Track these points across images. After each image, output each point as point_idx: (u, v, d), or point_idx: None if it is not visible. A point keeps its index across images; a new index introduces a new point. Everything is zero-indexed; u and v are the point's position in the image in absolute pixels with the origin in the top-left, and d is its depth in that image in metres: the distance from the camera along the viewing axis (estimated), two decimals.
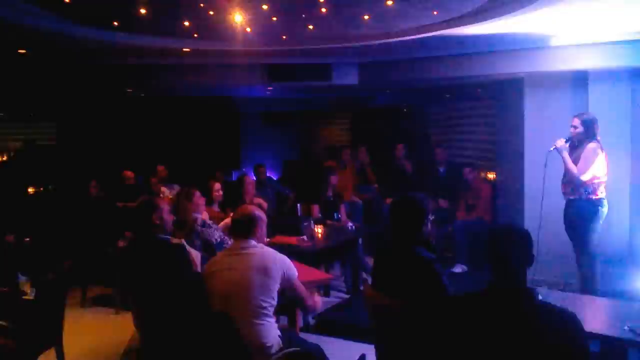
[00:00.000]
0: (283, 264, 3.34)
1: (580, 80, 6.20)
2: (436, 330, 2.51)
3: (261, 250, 3.37)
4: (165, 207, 3.77)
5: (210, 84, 7.95)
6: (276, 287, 3.27)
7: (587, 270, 5.16)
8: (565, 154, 5.14)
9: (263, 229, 3.52)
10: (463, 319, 2.38)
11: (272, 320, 3.31)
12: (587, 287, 5.12)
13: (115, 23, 5.13)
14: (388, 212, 3.41)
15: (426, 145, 9.72)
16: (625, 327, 3.12)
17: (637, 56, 5.68)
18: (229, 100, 11.03)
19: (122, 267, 3.71)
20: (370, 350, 3.37)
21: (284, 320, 4.17)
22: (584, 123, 5.12)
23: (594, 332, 3.11)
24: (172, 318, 3.32)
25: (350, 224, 6.89)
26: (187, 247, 4.01)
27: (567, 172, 5.17)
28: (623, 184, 6.01)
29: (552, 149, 5.18)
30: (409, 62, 7.02)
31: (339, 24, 5.11)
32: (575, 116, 5.24)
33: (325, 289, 6.37)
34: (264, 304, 3.23)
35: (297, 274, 3.43)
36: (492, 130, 7.87)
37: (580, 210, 5.13)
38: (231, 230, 3.56)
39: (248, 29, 4.99)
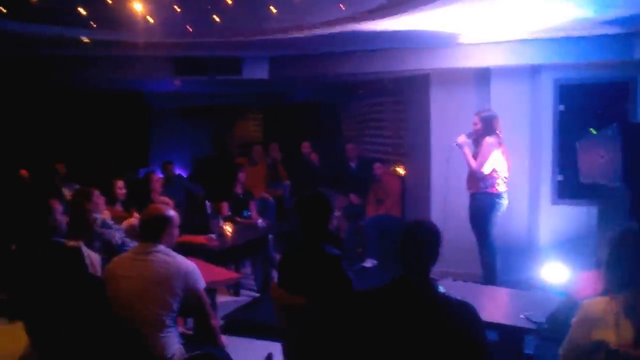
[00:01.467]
0: (187, 276, 3.12)
1: (483, 77, 6.39)
2: (341, 326, 2.50)
3: (166, 259, 3.14)
4: (59, 207, 3.57)
5: (114, 77, 7.60)
6: (177, 299, 3.09)
7: (488, 261, 5.37)
8: (466, 149, 5.34)
9: (174, 230, 3.30)
10: (367, 314, 2.39)
11: (174, 328, 3.17)
12: (488, 277, 5.32)
13: (3, 10, 4.77)
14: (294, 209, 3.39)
15: (338, 141, 9.77)
16: (521, 316, 3.24)
17: (536, 54, 5.92)
18: (138, 95, 10.62)
19: (13, 272, 3.46)
20: (278, 349, 3.34)
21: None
22: (483, 120, 5.34)
23: (493, 321, 3.21)
24: (66, 326, 3.10)
25: (260, 221, 6.82)
26: (86, 250, 3.83)
27: (468, 166, 5.37)
28: (522, 178, 6.24)
29: (454, 144, 5.36)
30: (319, 57, 7.00)
31: (246, 16, 5.01)
32: (475, 114, 5.43)
33: (235, 288, 6.26)
34: (164, 317, 3.07)
35: (204, 285, 3.22)
36: (402, 126, 8.01)
37: (479, 203, 5.34)
38: (139, 232, 3.31)
39: (150, 19, 4.78)
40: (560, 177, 6.11)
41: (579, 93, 6.04)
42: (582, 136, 5.48)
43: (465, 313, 2.31)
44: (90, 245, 4.25)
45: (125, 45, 6.19)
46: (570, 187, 5.98)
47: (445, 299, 2.40)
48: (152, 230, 3.19)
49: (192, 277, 3.14)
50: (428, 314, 2.28)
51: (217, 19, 4.83)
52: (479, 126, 5.34)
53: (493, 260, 5.35)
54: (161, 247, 3.17)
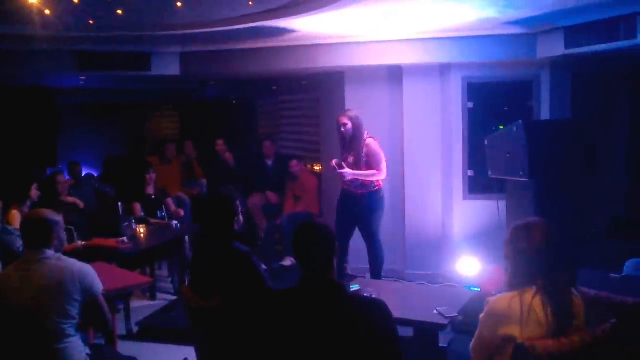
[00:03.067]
0: (83, 278, 2.98)
1: (395, 74, 6.46)
2: (252, 327, 2.45)
3: (57, 264, 2.98)
4: None
5: (13, 73, 7.14)
6: (76, 304, 2.94)
7: (379, 255, 5.46)
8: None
9: (61, 234, 3.14)
10: (276, 315, 2.35)
11: (77, 338, 2.99)
12: (379, 272, 5.40)
13: None
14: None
15: (254, 138, 9.67)
16: (435, 311, 3.29)
17: (444, 53, 6.04)
18: (43, 91, 10.05)
19: None
20: (194, 353, 3.26)
21: None
22: (352, 119, 5.35)
23: (406, 318, 3.24)
24: None
25: (175, 221, 6.62)
26: None
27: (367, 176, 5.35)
28: (435, 174, 6.38)
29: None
30: (232, 53, 6.85)
31: (150, 10, 4.82)
32: (341, 116, 5.42)
33: (151, 292, 6.06)
34: (64, 326, 2.90)
35: (102, 288, 3.09)
36: (318, 123, 8.01)
37: (370, 202, 5.40)
38: (24, 240, 3.12)
39: (46, 11, 4.49)
40: (470, 173, 6.26)
41: (486, 91, 6.22)
42: (490, 133, 5.67)
43: (375, 310, 2.29)
44: None
45: (22, 38, 5.82)
46: (480, 182, 6.13)
47: (353, 297, 2.39)
48: (38, 235, 3.02)
49: (89, 280, 3.01)
50: (334, 313, 2.25)
51: (120, 12, 4.62)
52: (349, 125, 5.34)
53: (383, 254, 5.46)
54: (50, 253, 3.01)
